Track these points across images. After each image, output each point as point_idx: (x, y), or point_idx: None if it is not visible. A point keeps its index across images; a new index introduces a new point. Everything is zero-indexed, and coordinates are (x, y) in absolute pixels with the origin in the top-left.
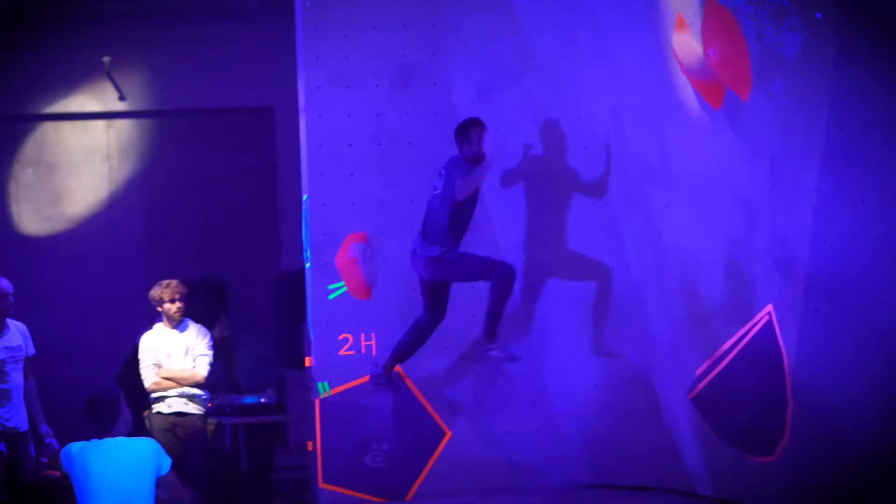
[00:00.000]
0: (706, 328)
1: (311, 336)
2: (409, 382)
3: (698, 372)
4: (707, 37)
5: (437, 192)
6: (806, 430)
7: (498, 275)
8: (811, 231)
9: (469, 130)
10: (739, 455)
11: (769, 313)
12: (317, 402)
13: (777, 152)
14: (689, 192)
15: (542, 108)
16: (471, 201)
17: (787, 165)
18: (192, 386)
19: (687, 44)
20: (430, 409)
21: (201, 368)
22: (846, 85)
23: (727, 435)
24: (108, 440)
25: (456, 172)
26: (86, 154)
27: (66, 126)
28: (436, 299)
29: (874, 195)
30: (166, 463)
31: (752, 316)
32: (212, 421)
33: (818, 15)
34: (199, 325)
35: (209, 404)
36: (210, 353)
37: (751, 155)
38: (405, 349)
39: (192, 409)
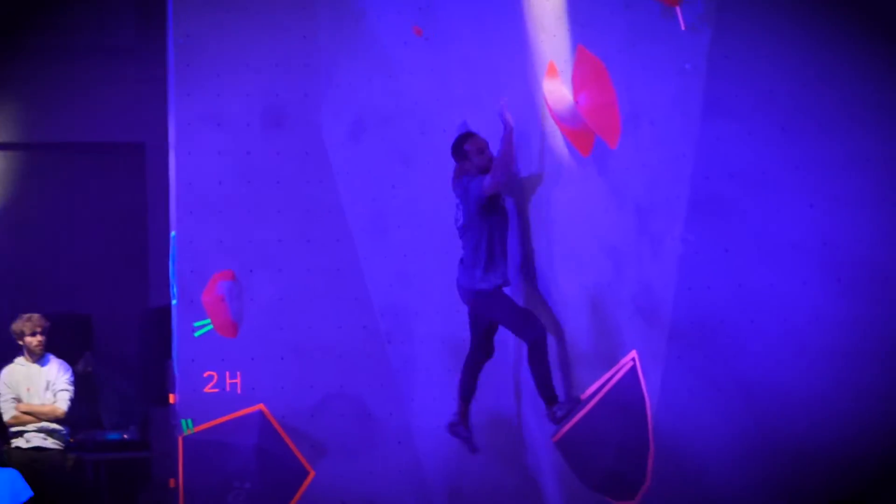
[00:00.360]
0: (571, 372)
1: (176, 373)
2: (272, 421)
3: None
4: (577, 84)
5: (459, 223)
6: (667, 475)
7: (529, 336)
8: (676, 279)
9: (463, 147)
10: (601, 499)
11: (633, 359)
12: (180, 440)
13: (643, 200)
14: (557, 238)
15: (413, 150)
16: (500, 215)
17: (654, 214)
18: (53, 421)
19: (557, 91)
20: (293, 448)
21: (62, 403)
22: (712, 135)
23: (589, 478)
24: None
25: (474, 185)
26: None
27: None
28: (480, 334)
29: (737, 244)
30: (26, 493)
31: (615, 362)
32: (71, 457)
33: (687, 66)
34: (60, 361)
35: (70, 440)
36: (71, 388)
37: (618, 202)
38: (464, 389)
39: (52, 444)
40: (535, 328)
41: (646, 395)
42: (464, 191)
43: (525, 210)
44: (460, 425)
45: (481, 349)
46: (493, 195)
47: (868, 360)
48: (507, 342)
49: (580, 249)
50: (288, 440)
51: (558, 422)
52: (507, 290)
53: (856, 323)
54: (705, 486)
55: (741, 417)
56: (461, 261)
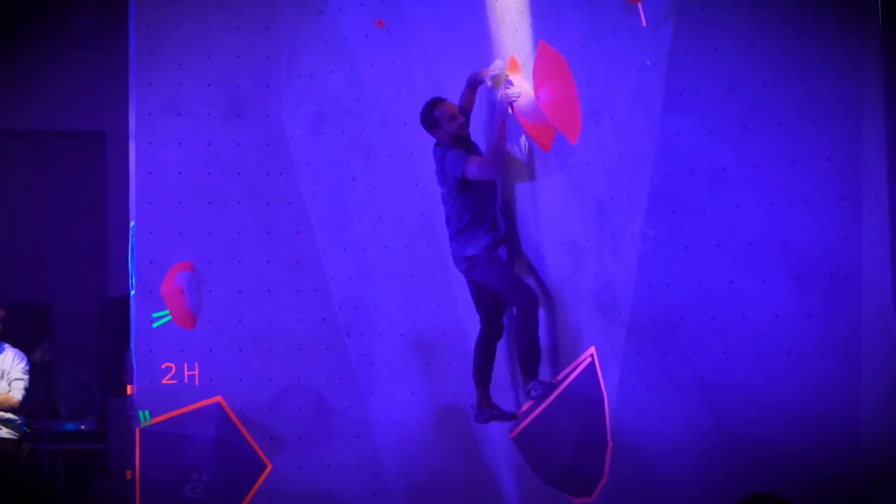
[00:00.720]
0: None
1: (134, 364)
2: (230, 413)
3: (520, 411)
4: (538, 79)
5: (443, 190)
6: (625, 471)
7: (519, 300)
8: (635, 275)
9: (433, 114)
10: (558, 495)
11: (591, 355)
12: (137, 431)
13: (604, 196)
14: (516, 233)
15: (374, 142)
16: (473, 193)
17: (613, 209)
18: (7, 410)
19: (519, 85)
20: (251, 440)
21: (16, 392)
22: (673, 132)
23: (547, 474)
24: None
25: (449, 160)
26: None
27: None
28: (486, 311)
29: (697, 241)
30: None
31: (574, 357)
32: (27, 446)
33: (648, 62)
34: (16, 350)
35: (27, 429)
36: (26, 377)
37: (578, 198)
38: (480, 374)
39: (6, 433)
40: (526, 293)
41: (604, 391)
42: (440, 164)
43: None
44: (485, 410)
45: (491, 328)
46: (466, 183)
47: (826, 357)
48: (465, 332)
49: (539, 244)
50: (245, 432)
51: (533, 400)
52: None
53: (814, 321)
54: (663, 482)
55: (699, 414)
56: (448, 228)
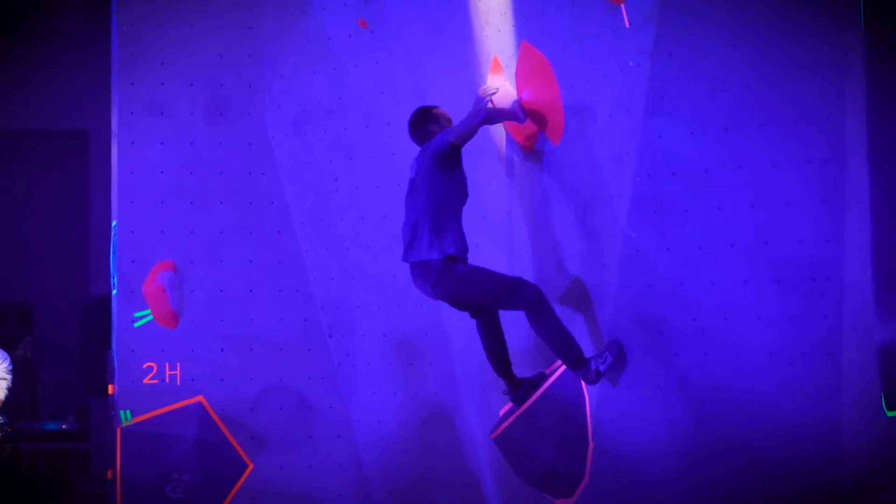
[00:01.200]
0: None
1: (116, 363)
2: (212, 413)
3: (502, 412)
4: (521, 80)
5: (420, 174)
6: (606, 472)
7: (522, 302)
8: (617, 276)
9: (427, 126)
10: (540, 496)
11: None
12: (118, 431)
13: (586, 197)
14: (498, 234)
15: (356, 143)
16: (458, 183)
17: (596, 210)
18: None
19: (501, 86)
20: (232, 440)
21: None
22: (655, 133)
23: (528, 475)
24: None
25: (436, 139)
26: None
27: None
28: (468, 311)
29: (679, 242)
30: None
31: (556, 358)
32: (8, 446)
33: (631, 64)
34: None
35: (8, 429)
36: (9, 377)
37: (561, 199)
38: (497, 367)
39: None
40: (524, 290)
41: (585, 392)
42: (423, 150)
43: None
44: (517, 391)
45: (487, 317)
46: (455, 155)
47: (807, 359)
48: (447, 333)
49: (522, 246)
50: (227, 432)
51: (598, 378)
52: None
53: (796, 322)
54: (644, 484)
55: (680, 416)
56: (403, 237)
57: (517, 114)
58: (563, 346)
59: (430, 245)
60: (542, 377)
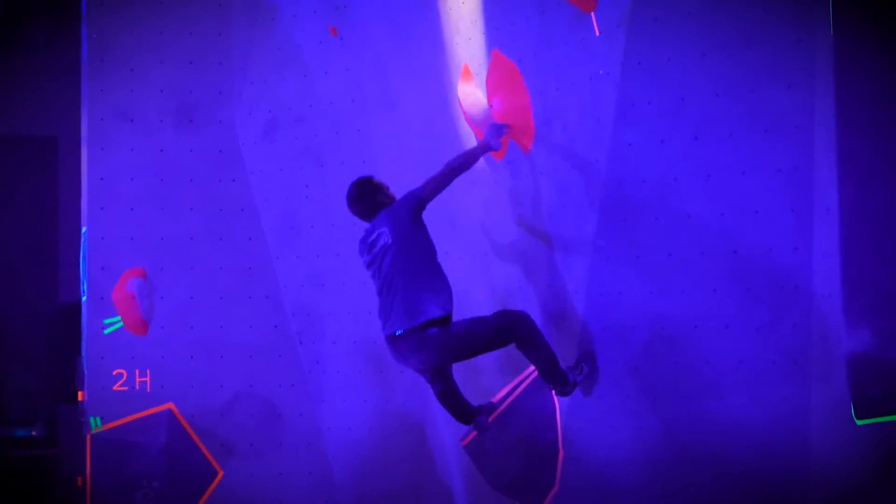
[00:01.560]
0: (480, 377)
1: (85, 370)
2: (181, 420)
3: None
4: (492, 88)
5: (381, 253)
6: (575, 480)
7: (516, 337)
8: (586, 285)
9: (376, 198)
10: (510, 503)
11: None
12: (88, 438)
13: (555, 205)
14: (468, 242)
15: (326, 150)
16: (426, 231)
17: (565, 218)
18: None
19: (472, 94)
20: (202, 447)
21: None
22: (624, 141)
23: (498, 483)
24: None
25: (398, 202)
26: None
27: None
28: (430, 372)
29: (648, 251)
30: None
31: (526, 366)
32: None
33: (600, 71)
34: None
35: None
36: None
37: (529, 207)
38: (459, 416)
39: None
40: (518, 327)
41: (556, 400)
42: (389, 214)
43: None
44: (478, 423)
45: (444, 383)
46: (422, 205)
47: (776, 368)
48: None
49: (491, 254)
50: (197, 439)
51: (573, 389)
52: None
53: (764, 331)
54: (613, 491)
55: (649, 424)
56: (382, 310)
57: (491, 144)
58: (549, 367)
59: (434, 301)
60: (492, 408)
